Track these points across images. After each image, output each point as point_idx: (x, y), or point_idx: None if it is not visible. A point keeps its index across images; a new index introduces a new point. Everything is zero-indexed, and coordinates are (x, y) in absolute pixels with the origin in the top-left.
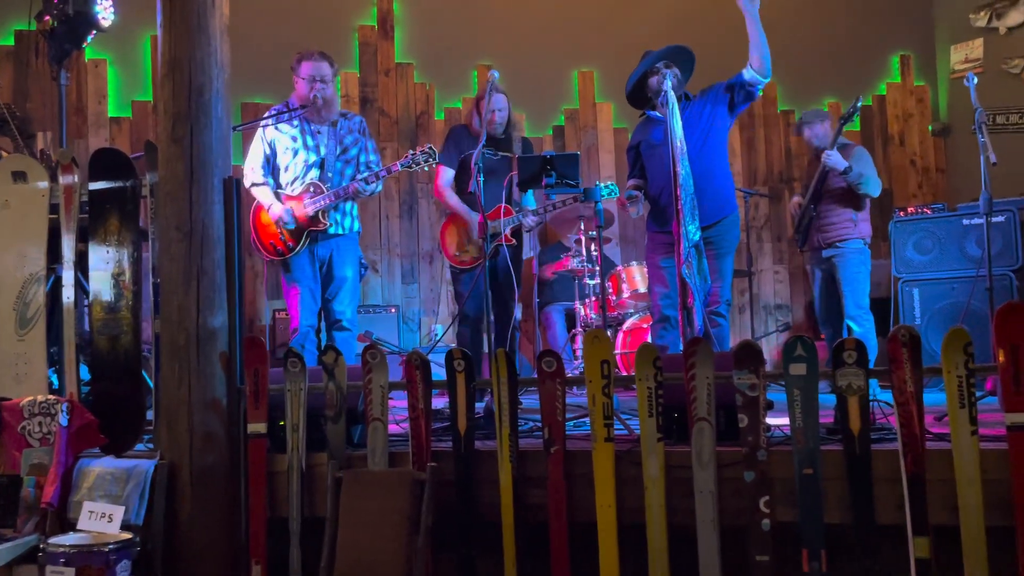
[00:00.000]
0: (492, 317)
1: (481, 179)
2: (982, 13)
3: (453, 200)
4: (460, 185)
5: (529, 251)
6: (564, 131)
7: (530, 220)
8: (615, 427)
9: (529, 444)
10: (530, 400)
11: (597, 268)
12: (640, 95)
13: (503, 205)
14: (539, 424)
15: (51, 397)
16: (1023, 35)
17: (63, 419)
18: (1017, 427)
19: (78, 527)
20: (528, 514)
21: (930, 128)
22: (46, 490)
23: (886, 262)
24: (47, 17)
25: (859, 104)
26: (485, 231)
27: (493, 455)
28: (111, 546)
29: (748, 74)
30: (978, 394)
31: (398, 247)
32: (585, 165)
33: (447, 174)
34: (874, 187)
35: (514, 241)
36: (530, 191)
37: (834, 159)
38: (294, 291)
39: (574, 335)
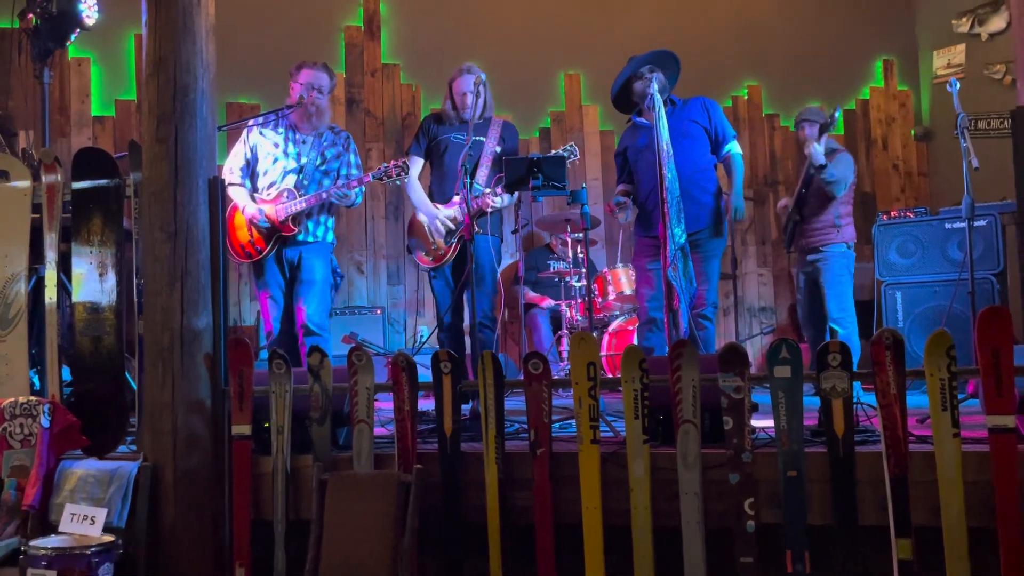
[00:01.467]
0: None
1: (468, 180)
2: (964, 19)
3: (414, 194)
4: (430, 173)
5: (517, 253)
6: (550, 133)
7: (493, 200)
8: (601, 429)
9: (515, 446)
10: (516, 402)
11: (583, 270)
12: (626, 100)
13: (460, 193)
14: (525, 426)
15: (32, 398)
16: (1005, 41)
17: (45, 420)
18: (998, 429)
19: (60, 530)
20: (514, 516)
21: (913, 132)
22: (27, 492)
23: (869, 265)
24: (30, 15)
25: (837, 113)
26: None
27: (479, 457)
28: (93, 549)
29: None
30: (960, 396)
31: (384, 248)
32: (571, 167)
33: (416, 165)
34: (839, 188)
35: (477, 228)
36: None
37: (815, 152)
38: (264, 296)
39: (560, 337)
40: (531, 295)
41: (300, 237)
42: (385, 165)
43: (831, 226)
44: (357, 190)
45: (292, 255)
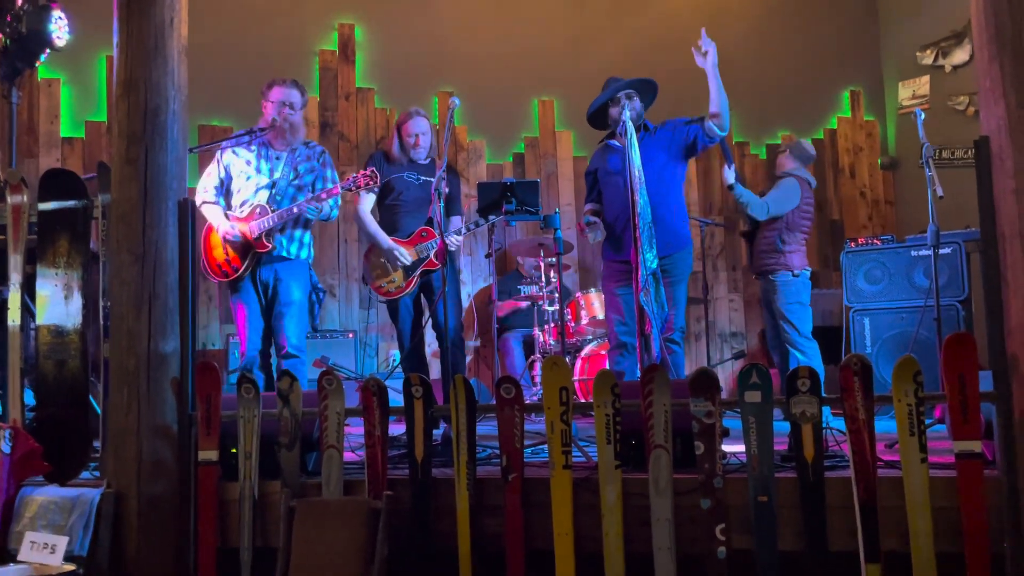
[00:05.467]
0: (444, 344)
1: (441, 204)
2: (928, 51)
3: (372, 227)
4: (381, 212)
5: (490, 277)
6: (524, 158)
7: (455, 239)
8: (573, 454)
9: (487, 472)
10: (488, 427)
11: (556, 295)
12: (601, 119)
13: (422, 229)
14: (497, 451)
15: None
16: (968, 73)
17: (6, 446)
18: (965, 455)
19: (19, 558)
20: (485, 543)
21: (879, 161)
22: None
23: (837, 291)
24: None
25: (728, 153)
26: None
27: (450, 483)
28: None
29: (707, 126)
30: (927, 422)
31: (356, 271)
32: (545, 192)
33: (367, 200)
34: (758, 211)
35: (438, 264)
36: (456, 217)
37: (727, 175)
38: (240, 315)
39: (533, 361)
40: (507, 302)
41: (275, 253)
42: (354, 175)
43: (774, 250)
44: (332, 203)
45: (268, 275)
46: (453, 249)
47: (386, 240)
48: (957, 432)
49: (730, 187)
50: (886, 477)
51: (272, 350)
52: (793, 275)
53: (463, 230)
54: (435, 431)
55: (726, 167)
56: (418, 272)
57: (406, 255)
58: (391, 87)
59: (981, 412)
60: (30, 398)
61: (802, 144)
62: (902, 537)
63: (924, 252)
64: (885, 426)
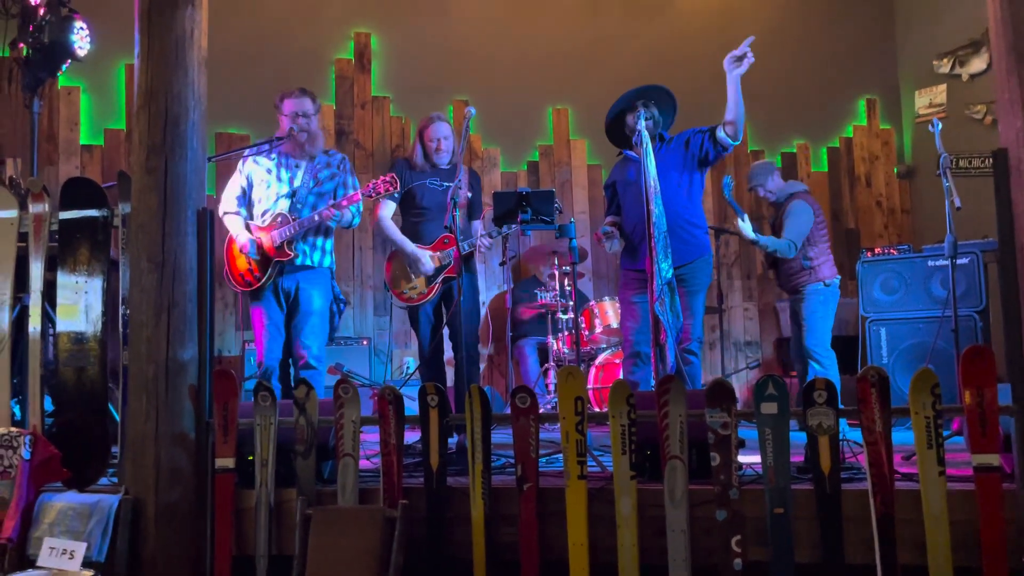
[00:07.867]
0: (459, 352)
1: (457, 213)
2: (945, 60)
3: (396, 234)
4: (404, 218)
5: (504, 285)
6: (538, 167)
7: (485, 241)
8: (588, 464)
9: (502, 481)
10: (503, 435)
11: (571, 303)
12: (619, 132)
13: (444, 236)
14: (512, 461)
15: (13, 429)
16: (985, 82)
17: (25, 452)
18: (983, 468)
19: (38, 564)
20: (500, 552)
21: (896, 170)
22: (6, 525)
23: (854, 301)
24: (21, 45)
25: (730, 187)
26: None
27: (465, 492)
28: None
29: (720, 134)
30: (945, 433)
31: (371, 279)
32: (559, 201)
33: (388, 207)
34: (788, 252)
35: (456, 274)
36: (477, 221)
37: (744, 229)
38: (259, 324)
39: (547, 369)
40: (526, 309)
41: (298, 262)
42: (374, 182)
43: (801, 269)
44: (354, 209)
45: (289, 284)
46: (485, 251)
47: (411, 246)
48: (975, 445)
49: (753, 242)
50: (903, 490)
51: (291, 360)
52: (824, 285)
53: (494, 233)
54: (450, 440)
55: (739, 221)
56: (440, 279)
57: (429, 262)
58: (407, 96)
59: (1000, 425)
60: (49, 404)
61: (757, 167)
62: (919, 550)
63: (941, 262)
64: (902, 437)
